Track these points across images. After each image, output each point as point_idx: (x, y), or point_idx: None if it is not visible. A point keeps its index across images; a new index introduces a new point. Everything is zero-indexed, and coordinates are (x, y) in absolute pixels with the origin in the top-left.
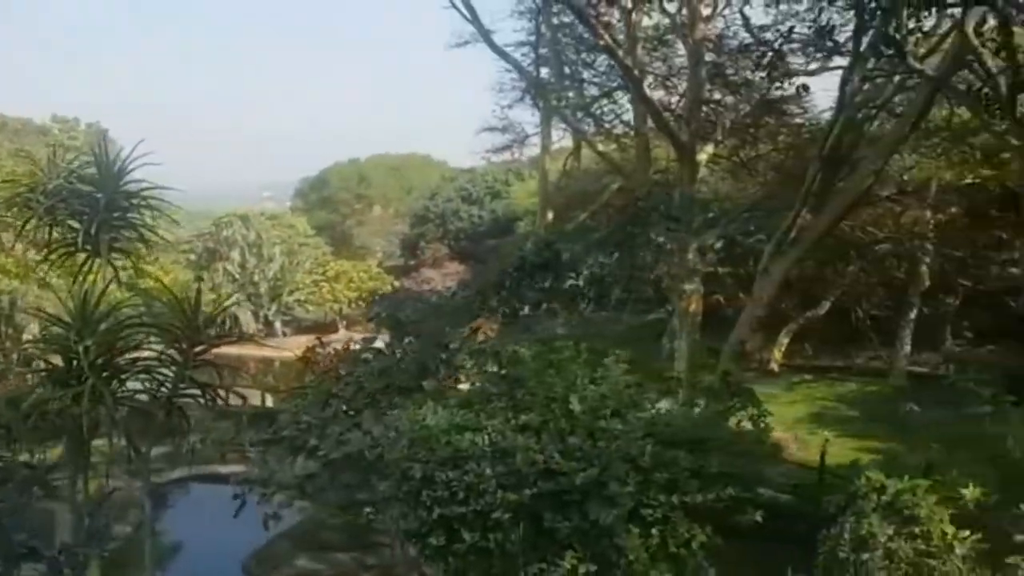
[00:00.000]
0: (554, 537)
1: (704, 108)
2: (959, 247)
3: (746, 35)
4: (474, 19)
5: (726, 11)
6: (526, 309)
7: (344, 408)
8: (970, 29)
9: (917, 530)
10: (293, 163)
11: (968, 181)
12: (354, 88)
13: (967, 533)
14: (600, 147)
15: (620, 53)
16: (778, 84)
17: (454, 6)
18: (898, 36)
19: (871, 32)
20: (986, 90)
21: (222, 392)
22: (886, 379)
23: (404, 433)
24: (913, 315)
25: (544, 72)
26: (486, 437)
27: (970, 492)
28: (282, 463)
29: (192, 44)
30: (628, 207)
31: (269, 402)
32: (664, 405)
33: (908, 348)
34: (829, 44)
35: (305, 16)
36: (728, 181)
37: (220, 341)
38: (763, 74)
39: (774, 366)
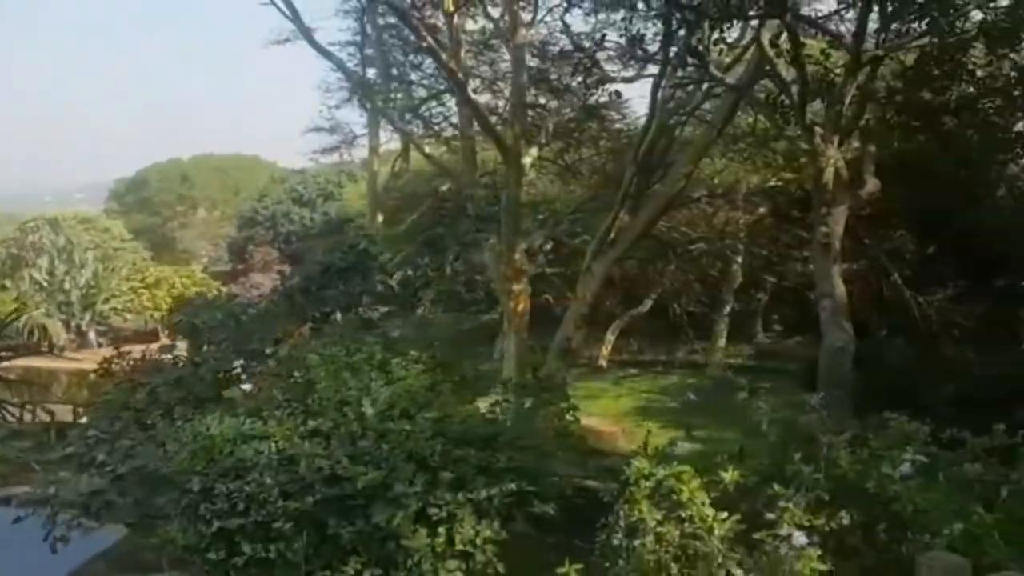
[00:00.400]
0: (338, 543)
1: (530, 112)
2: (766, 246)
3: (567, 41)
4: (295, 17)
5: (548, 18)
6: (338, 314)
7: (138, 420)
8: (766, 41)
9: (684, 514)
10: (111, 163)
11: (772, 184)
12: (179, 86)
13: (726, 515)
14: (428, 149)
15: (444, 56)
16: (594, 90)
17: (273, 3)
18: (701, 47)
19: (679, 42)
20: (782, 98)
21: (12, 409)
22: (705, 371)
23: (186, 444)
24: (727, 310)
25: (371, 73)
26: (272, 445)
27: (729, 475)
28: (69, 480)
29: None
30: (437, 209)
31: (84, 418)
32: (484, 405)
33: (723, 341)
34: (640, 53)
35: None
36: (556, 184)
37: (11, 355)
38: (580, 79)
39: (602, 362)
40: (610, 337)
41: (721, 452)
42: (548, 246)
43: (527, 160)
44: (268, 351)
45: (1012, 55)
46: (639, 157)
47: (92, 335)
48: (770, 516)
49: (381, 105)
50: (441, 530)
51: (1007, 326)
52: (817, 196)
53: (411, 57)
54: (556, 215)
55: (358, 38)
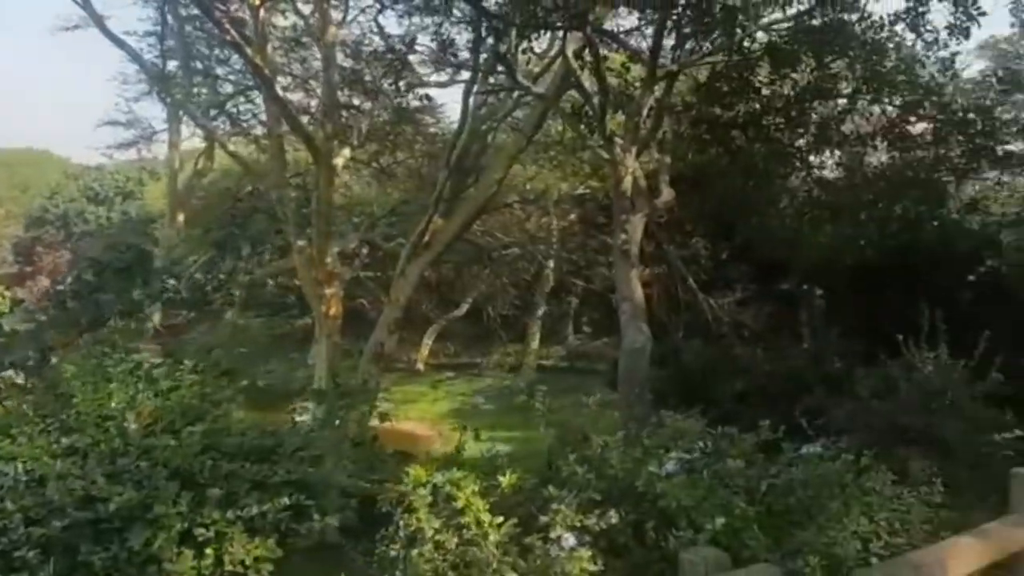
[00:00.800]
0: (91, 570)
1: (343, 112)
2: (575, 251)
3: (381, 42)
4: (86, 2)
5: (361, 18)
6: (116, 319)
7: None
8: (570, 52)
9: (463, 521)
10: None
11: (580, 191)
12: None
13: (502, 519)
14: (235, 147)
15: (249, 51)
16: (405, 92)
17: None
18: (509, 55)
19: (488, 50)
20: (586, 109)
21: None
22: (520, 373)
23: None
24: (540, 313)
25: (173, 66)
26: (19, 466)
27: (506, 480)
28: None
29: None
30: (229, 209)
31: None
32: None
33: (537, 343)
34: (452, 59)
35: None
36: (372, 186)
37: None
38: (391, 81)
39: (420, 366)
40: (427, 341)
41: (531, 451)
42: (364, 249)
43: (339, 161)
44: (32, 364)
45: (793, 75)
46: (451, 161)
47: None
48: (544, 519)
49: (182, 100)
50: (209, 551)
51: (790, 327)
52: (617, 204)
53: (216, 51)
54: (371, 218)
55: (158, 28)
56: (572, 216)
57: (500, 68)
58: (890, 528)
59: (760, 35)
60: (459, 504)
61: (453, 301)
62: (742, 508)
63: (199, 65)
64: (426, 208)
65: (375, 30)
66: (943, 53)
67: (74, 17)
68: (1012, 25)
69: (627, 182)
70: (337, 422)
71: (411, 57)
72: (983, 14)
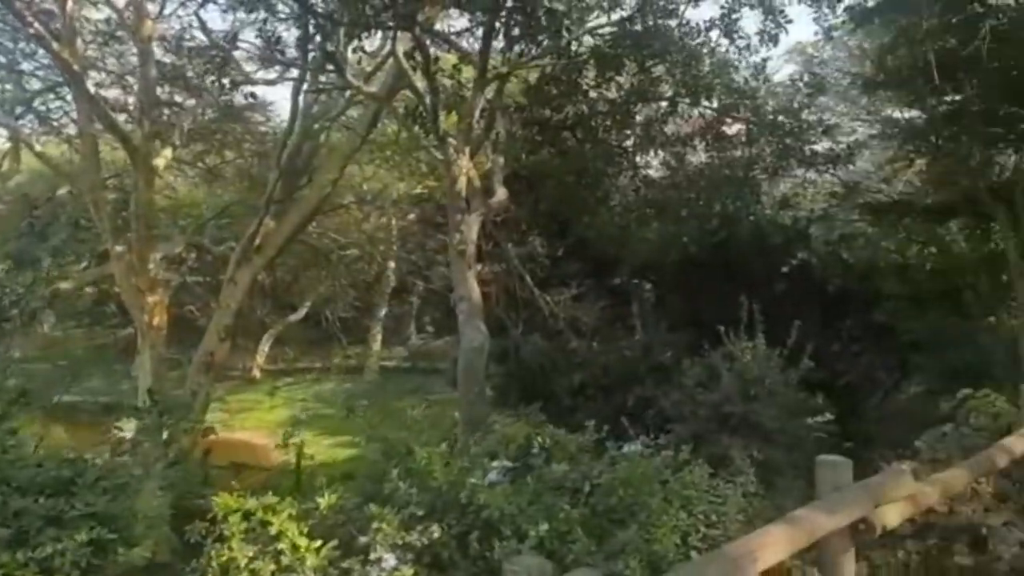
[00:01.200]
0: None
1: (165, 111)
2: (414, 251)
3: (204, 38)
4: None
5: (182, 11)
6: None
7: None
8: (400, 52)
9: (279, 547)
10: None
11: (418, 191)
12: None
13: (320, 543)
14: (44, 148)
15: (56, 45)
16: (231, 90)
17: None
18: (338, 54)
19: (317, 48)
20: (420, 109)
21: None
22: (362, 375)
23: None
24: (382, 315)
25: None
26: None
27: (325, 500)
28: None
29: None
30: (26, 216)
31: None
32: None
33: (379, 345)
34: (279, 56)
35: None
36: (201, 188)
37: None
38: (213, 78)
39: (256, 373)
40: (263, 347)
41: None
42: (192, 254)
43: (160, 162)
44: None
45: (618, 79)
46: (282, 162)
47: None
48: (364, 539)
49: None
50: None
51: (623, 321)
52: (452, 204)
53: (22, 45)
54: (199, 221)
55: None
56: (411, 216)
57: (330, 67)
58: (707, 521)
59: (587, 39)
60: (274, 530)
61: (290, 305)
62: (566, 511)
63: (2, 59)
64: (257, 210)
65: (196, 24)
66: (755, 58)
67: None
68: (816, 33)
69: (461, 182)
70: (158, 439)
71: (237, 54)
72: (789, 21)
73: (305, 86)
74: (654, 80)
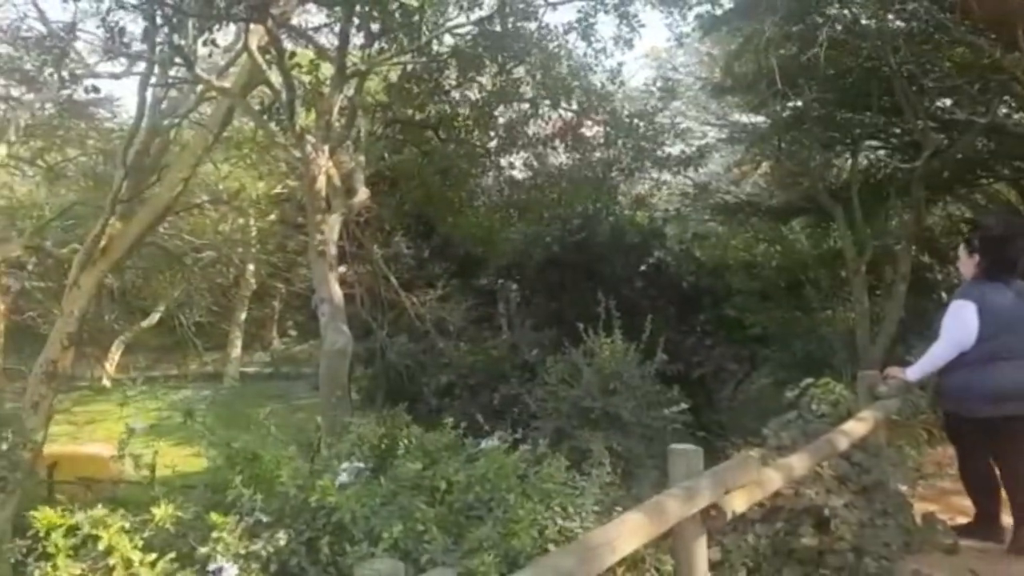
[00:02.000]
0: None
1: (1, 105)
2: (274, 253)
3: (41, 27)
4: None
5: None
6: None
7: None
8: (254, 45)
9: (111, 562)
10: None
11: (278, 191)
12: None
13: (155, 556)
14: None
15: None
16: (71, 84)
17: None
18: (187, 47)
19: (164, 40)
20: (277, 106)
21: None
22: (221, 382)
23: None
24: (242, 319)
25: None
26: None
27: (160, 511)
28: None
29: None
30: None
31: None
32: None
33: (239, 350)
34: (123, 48)
35: None
36: (42, 187)
37: None
38: (52, 70)
39: (106, 382)
40: (114, 354)
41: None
42: (32, 258)
43: None
44: None
45: (480, 79)
46: (128, 160)
47: None
48: (204, 550)
49: None
50: None
51: (490, 320)
52: (311, 204)
53: None
54: (39, 222)
55: None
56: (271, 217)
57: (178, 61)
58: (565, 514)
59: (447, 39)
60: (103, 545)
61: (141, 310)
62: (422, 511)
63: None
64: (103, 210)
65: (34, 14)
66: (611, 62)
67: None
68: (668, 39)
69: (321, 181)
70: None
71: (79, 45)
72: (643, 26)
73: (153, 80)
74: (515, 82)
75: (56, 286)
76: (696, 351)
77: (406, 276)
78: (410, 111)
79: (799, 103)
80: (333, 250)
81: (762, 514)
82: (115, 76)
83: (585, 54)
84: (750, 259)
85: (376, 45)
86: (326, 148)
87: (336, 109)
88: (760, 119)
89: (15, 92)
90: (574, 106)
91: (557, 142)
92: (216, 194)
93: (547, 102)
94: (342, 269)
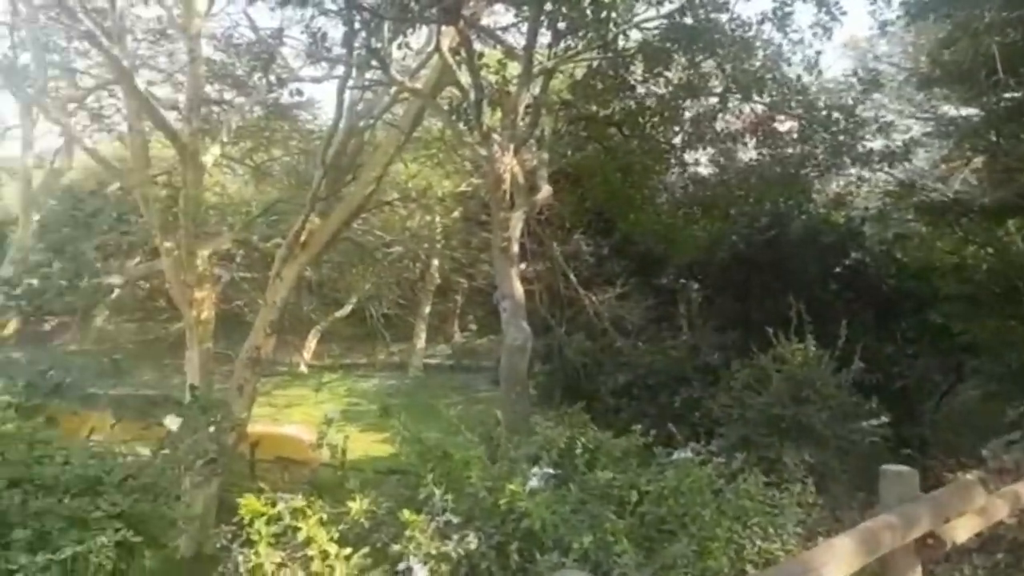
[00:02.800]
0: None
1: (214, 108)
2: (458, 249)
3: (252, 35)
4: None
5: (231, 8)
6: None
7: None
8: (445, 47)
9: (309, 553)
10: None
11: (462, 188)
12: None
13: (350, 551)
14: (96, 144)
15: (105, 42)
16: (278, 87)
17: None
18: (383, 50)
19: (361, 44)
20: (464, 106)
21: None
22: (406, 372)
23: None
24: (426, 312)
25: (28, 58)
26: None
27: (356, 505)
28: None
29: None
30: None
31: None
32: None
33: (423, 342)
34: (324, 52)
35: None
36: (250, 185)
37: None
38: (260, 75)
39: (303, 368)
40: (311, 342)
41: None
42: (241, 251)
43: (207, 159)
44: None
45: (666, 73)
46: (327, 159)
47: None
48: (397, 547)
49: (34, 94)
50: None
51: (670, 320)
52: (495, 201)
53: (76, 43)
54: (247, 218)
55: (8, 18)
56: (455, 214)
57: (374, 63)
58: (763, 534)
59: (634, 33)
60: (302, 535)
61: (336, 301)
62: (612, 522)
63: (56, 58)
64: (303, 207)
65: (246, 22)
66: (808, 52)
67: None
68: (870, 28)
69: (505, 179)
70: (200, 434)
71: (285, 51)
72: (844, 14)
73: (350, 83)
74: (703, 75)
75: (261, 277)
76: (896, 360)
77: (585, 274)
78: (594, 108)
79: (1018, 93)
80: (515, 247)
81: (980, 543)
82: (316, 80)
83: (780, 45)
84: (959, 262)
85: (563, 43)
86: (511, 146)
87: (522, 107)
88: (973, 111)
89: (228, 96)
90: (766, 99)
91: (747, 137)
92: (405, 192)
93: (737, 95)
94: (522, 266)
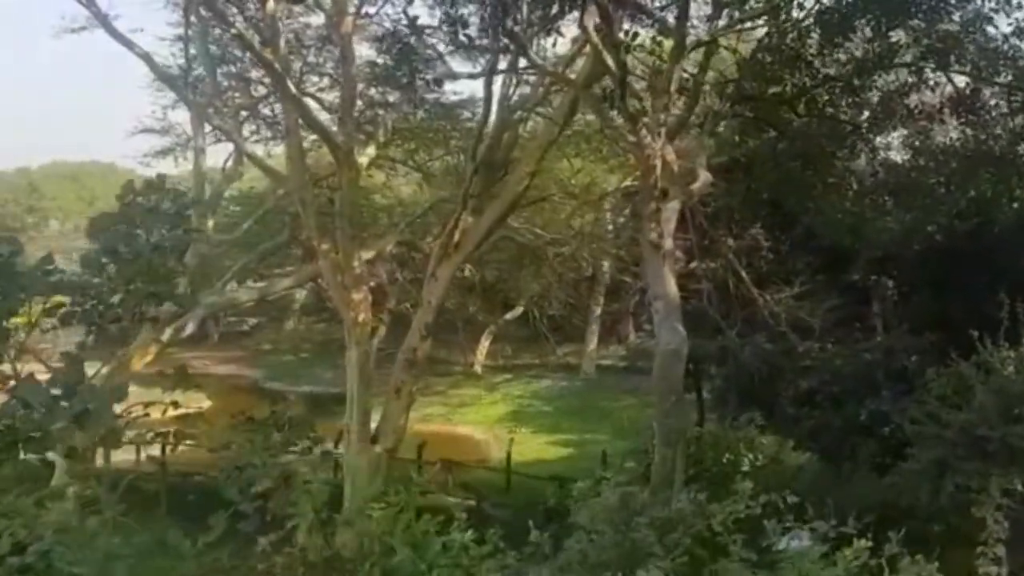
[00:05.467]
0: None
1: (372, 109)
2: (625, 247)
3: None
4: (90, 1)
5: (388, 8)
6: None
7: None
8: (590, 25)
9: None
10: None
11: (628, 184)
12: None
13: None
14: (264, 150)
15: (258, 46)
16: (435, 86)
17: None
18: (523, 32)
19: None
20: (617, 91)
21: None
22: (578, 373)
23: None
24: (598, 312)
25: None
26: None
27: None
28: None
29: None
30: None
31: None
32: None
33: (595, 343)
34: (464, 39)
35: None
36: (412, 185)
37: None
38: (419, 75)
39: (477, 368)
40: (484, 343)
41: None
42: (403, 251)
43: (363, 160)
44: None
45: (847, 44)
46: (478, 155)
47: None
48: None
49: (204, 104)
50: None
51: (858, 321)
52: (644, 191)
53: (249, 53)
54: (410, 218)
55: (183, 31)
56: (627, 211)
57: (511, 46)
58: None
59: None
60: None
61: (505, 302)
62: None
63: (233, 69)
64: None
65: (405, 23)
66: (1019, 14)
67: (81, 18)
68: None
69: (655, 167)
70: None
71: (442, 48)
72: None
73: (500, 78)
74: (892, 45)
75: (423, 277)
76: None
77: (762, 271)
78: (762, 85)
79: None
80: (669, 243)
81: None
82: (472, 76)
83: (982, 3)
84: None
85: (725, 14)
86: (662, 131)
87: (674, 86)
88: None
89: (391, 98)
90: (967, 68)
91: (946, 114)
92: (567, 188)
93: (932, 64)
94: (692, 264)
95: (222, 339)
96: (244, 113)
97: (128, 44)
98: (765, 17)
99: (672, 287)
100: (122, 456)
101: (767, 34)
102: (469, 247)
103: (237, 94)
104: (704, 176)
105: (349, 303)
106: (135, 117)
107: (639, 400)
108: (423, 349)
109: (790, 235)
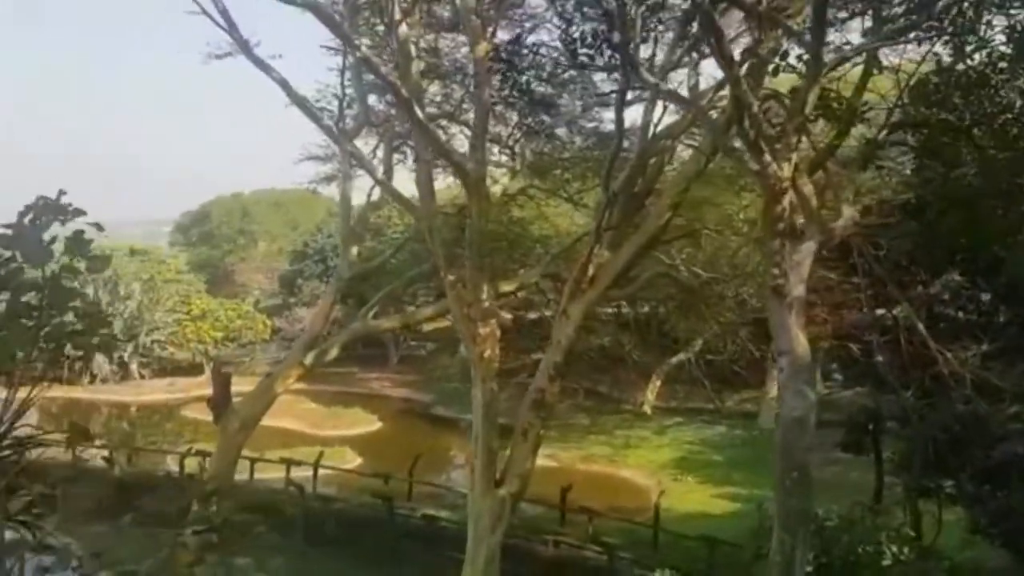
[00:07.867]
0: None
1: (518, 137)
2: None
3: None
4: (231, 27)
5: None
6: None
7: None
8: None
9: None
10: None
11: None
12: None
13: None
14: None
15: (384, 69)
16: (583, 112)
17: (205, 12)
18: (632, 50)
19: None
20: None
21: None
22: (755, 421)
23: None
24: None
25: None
26: None
27: None
28: None
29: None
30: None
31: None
32: None
33: (776, 391)
34: (585, 60)
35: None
36: (564, 217)
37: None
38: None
39: (647, 408)
40: (655, 383)
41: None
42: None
43: (496, 189)
44: None
45: None
46: (612, 185)
47: (135, 367)
48: None
49: (345, 131)
50: None
51: None
52: (768, 229)
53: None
54: (556, 250)
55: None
56: None
57: (617, 60)
58: None
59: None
60: None
61: (675, 342)
62: None
63: (388, 97)
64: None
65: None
66: None
67: (224, 45)
68: None
69: (784, 200)
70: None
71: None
72: None
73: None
74: None
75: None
76: None
77: (948, 322)
78: (933, 113)
79: None
80: (800, 290)
81: None
82: (599, 101)
83: None
84: None
85: (889, 26)
86: (793, 156)
87: (808, 108)
88: None
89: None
90: None
91: None
92: (721, 222)
93: None
94: (864, 310)
95: (401, 362)
96: (397, 142)
97: (266, 69)
98: (935, 35)
99: (801, 342)
100: (272, 474)
101: (952, 55)
102: (605, 283)
103: (396, 122)
104: (848, 213)
105: (475, 337)
106: (301, 145)
107: (820, 456)
108: (552, 390)
109: (991, 283)
